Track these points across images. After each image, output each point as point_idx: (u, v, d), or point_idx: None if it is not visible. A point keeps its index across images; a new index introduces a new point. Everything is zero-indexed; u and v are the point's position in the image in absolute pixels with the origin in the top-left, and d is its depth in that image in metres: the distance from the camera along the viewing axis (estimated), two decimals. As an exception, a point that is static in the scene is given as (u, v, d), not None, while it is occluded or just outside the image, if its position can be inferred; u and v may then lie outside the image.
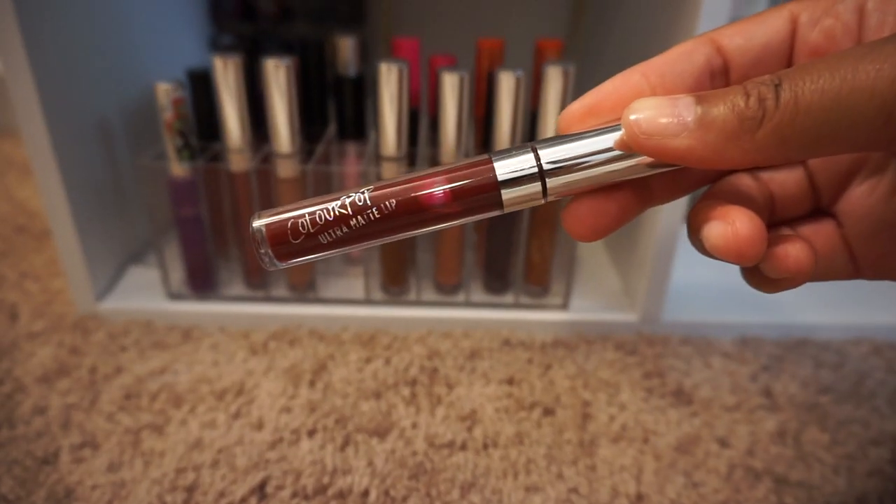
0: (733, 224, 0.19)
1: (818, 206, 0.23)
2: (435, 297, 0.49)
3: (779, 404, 0.41)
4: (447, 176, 0.20)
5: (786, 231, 0.22)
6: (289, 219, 0.20)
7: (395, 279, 0.49)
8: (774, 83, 0.17)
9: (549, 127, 0.43)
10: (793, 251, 0.20)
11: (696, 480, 0.36)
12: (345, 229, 0.19)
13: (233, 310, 0.48)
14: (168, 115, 0.43)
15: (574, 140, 0.20)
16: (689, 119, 0.17)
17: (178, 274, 0.49)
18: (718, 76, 0.21)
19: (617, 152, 0.19)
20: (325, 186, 0.51)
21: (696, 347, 0.47)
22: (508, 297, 0.50)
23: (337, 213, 0.19)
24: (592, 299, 0.50)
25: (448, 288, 0.50)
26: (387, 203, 0.19)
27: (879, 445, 0.38)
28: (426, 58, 0.51)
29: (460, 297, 0.49)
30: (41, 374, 0.42)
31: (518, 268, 0.49)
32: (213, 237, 0.49)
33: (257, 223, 0.20)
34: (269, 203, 0.47)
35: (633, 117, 0.18)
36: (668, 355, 0.46)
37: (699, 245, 0.21)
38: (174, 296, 0.49)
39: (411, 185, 0.20)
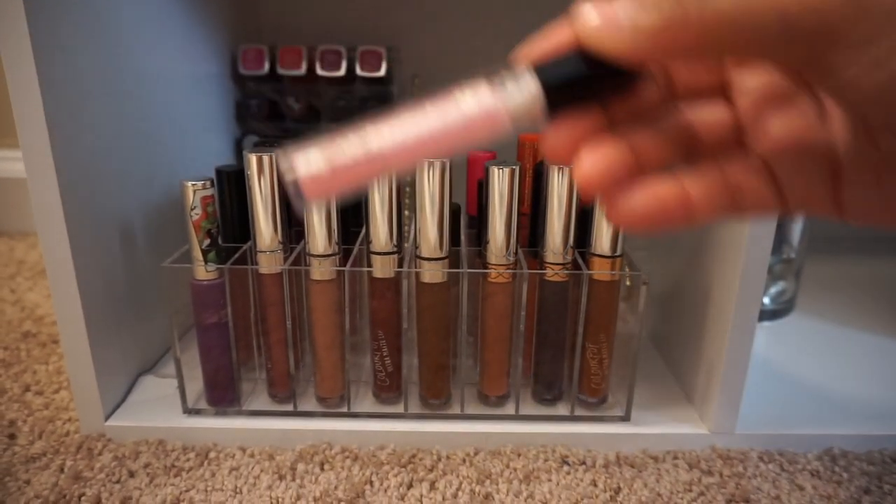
0: (587, 159, 0.20)
1: (746, 143, 0.23)
2: (480, 410, 0.45)
3: (893, 536, 0.35)
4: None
5: (680, 174, 0.22)
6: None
7: (436, 390, 0.44)
8: None
9: (605, 223, 0.40)
10: (626, 201, 0.21)
11: None
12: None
13: (256, 426, 0.43)
14: (197, 214, 0.41)
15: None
16: (625, 20, 0.18)
17: (195, 386, 0.45)
18: None
19: None
20: (359, 288, 0.48)
21: (780, 465, 0.41)
22: (562, 409, 0.45)
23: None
24: (655, 410, 0.45)
25: (494, 399, 0.45)
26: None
27: None
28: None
29: (509, 409, 0.44)
30: (37, 508, 0.37)
31: (572, 376, 0.44)
32: (235, 344, 0.44)
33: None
34: (300, 306, 0.44)
35: (580, 23, 0.19)
36: (749, 475, 0.40)
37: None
38: (190, 411, 0.44)
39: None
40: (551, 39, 0.21)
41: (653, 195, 0.21)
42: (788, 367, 0.51)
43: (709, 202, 0.22)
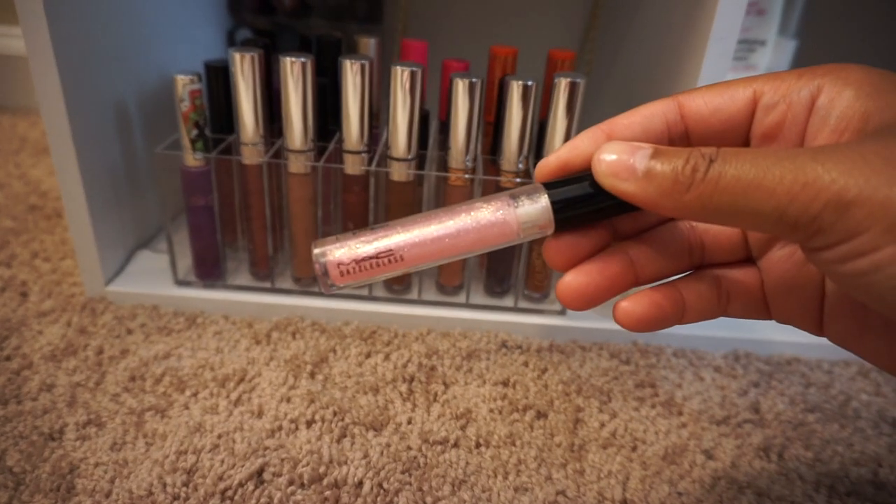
0: (570, 277, 0.23)
1: (749, 257, 0.25)
2: (436, 297, 0.51)
3: (766, 420, 0.42)
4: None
5: (685, 280, 0.25)
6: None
7: (398, 277, 0.50)
8: (710, 158, 0.19)
9: (557, 138, 0.44)
10: (625, 306, 0.24)
11: (680, 489, 0.37)
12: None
13: (238, 298, 0.49)
14: (185, 106, 0.44)
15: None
16: (639, 169, 0.20)
17: (185, 261, 0.51)
18: (678, 142, 0.23)
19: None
20: (333, 183, 0.52)
21: (689, 360, 0.48)
22: (508, 301, 0.51)
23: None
24: (590, 307, 0.51)
25: (449, 289, 0.51)
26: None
27: (861, 466, 0.39)
28: (436, 61, 0.52)
29: (461, 298, 0.50)
30: (49, 353, 0.43)
31: (519, 273, 0.50)
32: (221, 227, 0.50)
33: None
34: (280, 195, 0.48)
35: (598, 158, 0.21)
36: (660, 366, 0.47)
37: None
38: (181, 282, 0.50)
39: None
40: (572, 154, 0.23)
41: (651, 301, 0.24)
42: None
43: (699, 307, 0.24)
